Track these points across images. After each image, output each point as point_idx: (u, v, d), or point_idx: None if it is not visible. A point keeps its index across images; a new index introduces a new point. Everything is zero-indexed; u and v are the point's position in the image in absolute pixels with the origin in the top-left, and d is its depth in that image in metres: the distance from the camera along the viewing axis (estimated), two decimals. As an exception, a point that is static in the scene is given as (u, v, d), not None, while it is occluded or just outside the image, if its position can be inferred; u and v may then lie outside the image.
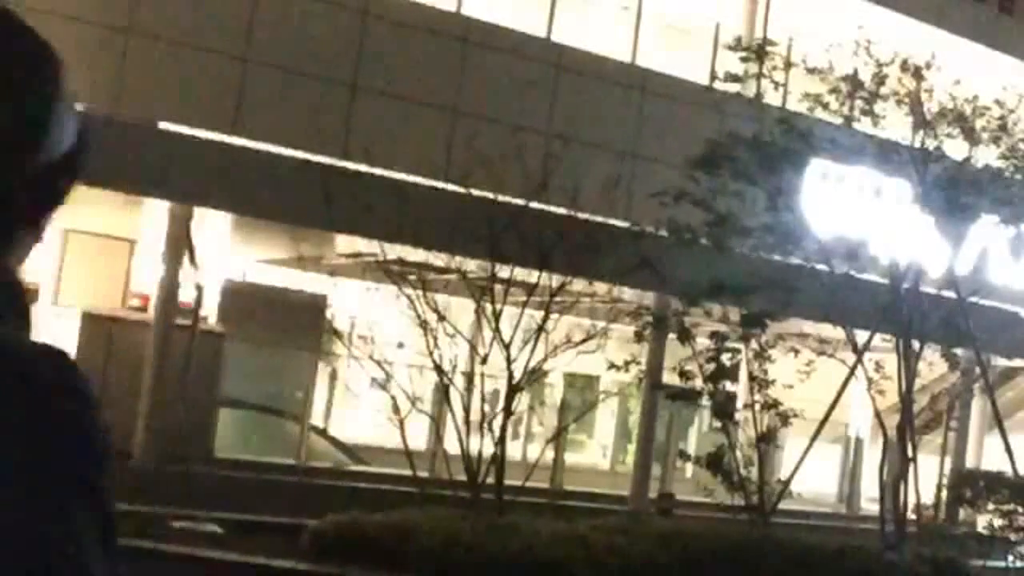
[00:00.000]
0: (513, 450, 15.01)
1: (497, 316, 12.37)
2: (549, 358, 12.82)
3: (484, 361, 12.58)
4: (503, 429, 12.34)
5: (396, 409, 12.74)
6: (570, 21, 17.82)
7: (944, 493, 16.41)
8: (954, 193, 14.00)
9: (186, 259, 13.89)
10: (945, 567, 12.65)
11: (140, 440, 13.43)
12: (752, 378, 13.21)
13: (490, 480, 12.26)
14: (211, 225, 14.52)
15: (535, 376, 13.11)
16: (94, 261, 16.29)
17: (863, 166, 14.39)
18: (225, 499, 12.78)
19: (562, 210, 12.84)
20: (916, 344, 14.05)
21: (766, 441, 13.18)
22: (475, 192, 12.59)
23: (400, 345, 13.61)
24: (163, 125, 13.66)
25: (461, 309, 13.51)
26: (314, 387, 15.95)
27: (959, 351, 15.12)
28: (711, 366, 12.88)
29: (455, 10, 16.45)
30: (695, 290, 12.76)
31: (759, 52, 14.26)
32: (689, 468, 16.99)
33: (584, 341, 13.08)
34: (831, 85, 14.23)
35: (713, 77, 15.16)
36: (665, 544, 11.40)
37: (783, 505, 13.56)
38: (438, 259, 13.24)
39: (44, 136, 1.03)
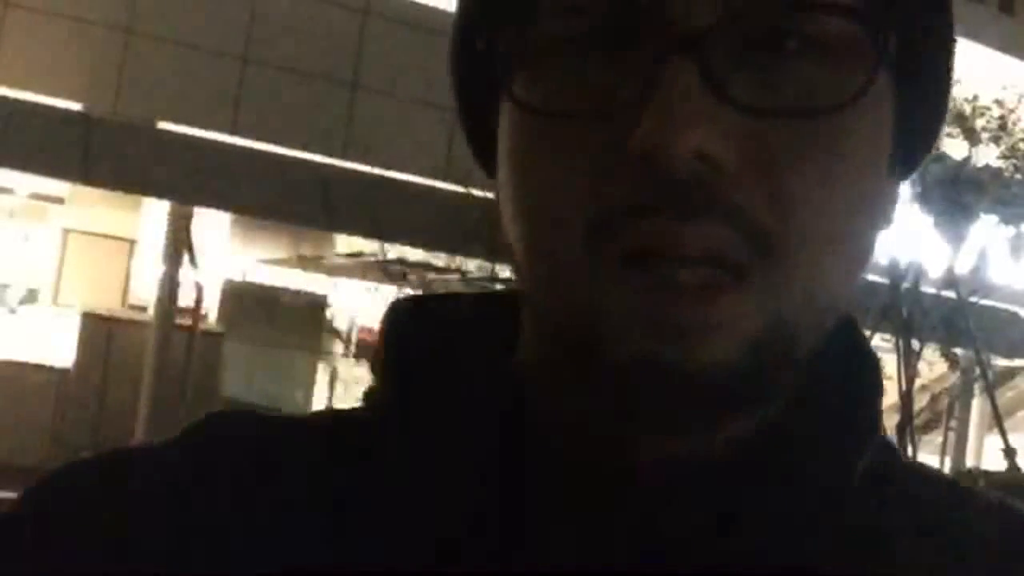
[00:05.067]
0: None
1: (497, 316, 12.36)
2: (549, 358, 12.81)
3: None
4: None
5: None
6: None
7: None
8: (954, 193, 14.00)
9: (186, 259, 13.89)
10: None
11: (140, 440, 13.43)
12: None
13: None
14: (211, 225, 14.52)
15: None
16: (94, 261, 16.29)
17: (863, 166, 14.39)
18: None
19: (562, 210, 12.82)
20: (916, 344, 14.05)
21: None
22: (475, 192, 12.59)
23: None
24: (163, 125, 13.65)
25: (461, 309, 13.48)
26: (314, 387, 15.94)
27: (959, 351, 15.12)
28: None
29: (455, 10, 16.45)
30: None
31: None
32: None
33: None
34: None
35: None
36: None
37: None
38: (438, 259, 13.24)
39: None
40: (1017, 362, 21.05)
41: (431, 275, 13.16)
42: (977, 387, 17.04)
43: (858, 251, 0.57)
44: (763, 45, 0.53)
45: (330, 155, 14.20)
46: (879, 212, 0.58)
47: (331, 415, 0.70)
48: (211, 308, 15.12)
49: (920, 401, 14.89)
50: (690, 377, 0.53)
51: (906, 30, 0.56)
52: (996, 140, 14.70)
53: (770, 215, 0.53)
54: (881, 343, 15.19)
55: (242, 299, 15.38)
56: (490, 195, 0.74)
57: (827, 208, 0.54)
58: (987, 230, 15.14)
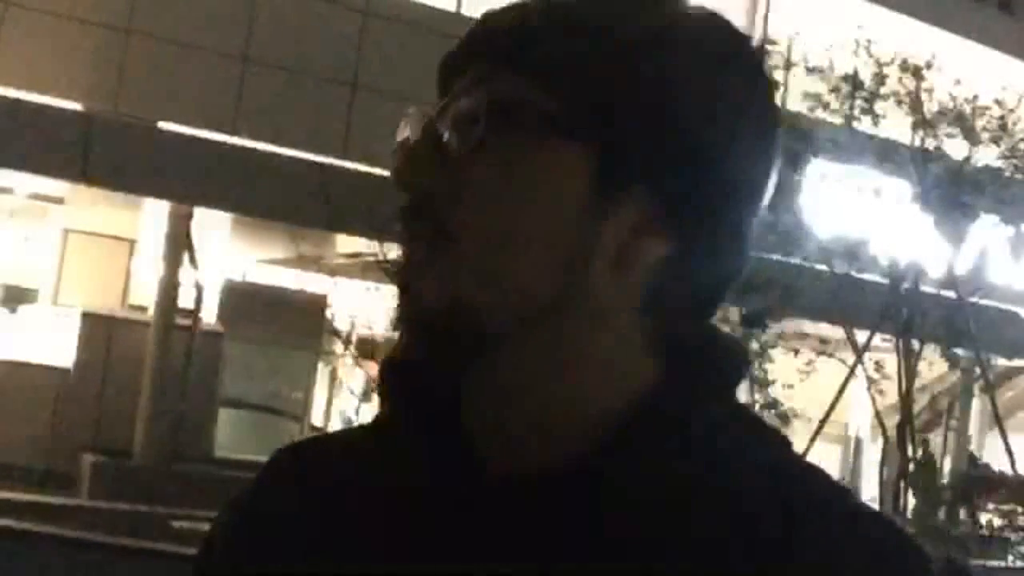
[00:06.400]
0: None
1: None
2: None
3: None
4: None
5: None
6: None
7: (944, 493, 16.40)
8: (954, 193, 14.00)
9: (186, 259, 13.88)
10: (945, 567, 12.64)
11: (140, 440, 13.43)
12: (752, 378, 13.21)
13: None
14: (211, 225, 14.52)
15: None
16: (94, 261, 16.28)
17: (863, 166, 14.39)
18: (225, 499, 12.75)
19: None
20: (916, 344, 14.05)
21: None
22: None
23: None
24: (163, 125, 13.65)
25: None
26: (314, 387, 15.94)
27: (959, 351, 15.12)
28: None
29: (455, 10, 16.44)
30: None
31: (759, 51, 14.25)
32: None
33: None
34: (831, 85, 14.23)
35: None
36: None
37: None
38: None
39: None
40: (1017, 362, 21.05)
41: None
42: (977, 387, 17.04)
43: (526, 262, 0.78)
44: (461, 116, 0.82)
45: (330, 155, 14.21)
46: (563, 239, 0.79)
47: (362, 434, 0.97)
48: (211, 308, 15.11)
49: (920, 401, 14.90)
50: (410, 321, 0.82)
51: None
52: (996, 140, 14.70)
53: (457, 225, 0.79)
54: (881, 343, 15.20)
55: (242, 299, 15.37)
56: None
57: (483, 223, 0.79)
58: (987, 230, 15.15)
